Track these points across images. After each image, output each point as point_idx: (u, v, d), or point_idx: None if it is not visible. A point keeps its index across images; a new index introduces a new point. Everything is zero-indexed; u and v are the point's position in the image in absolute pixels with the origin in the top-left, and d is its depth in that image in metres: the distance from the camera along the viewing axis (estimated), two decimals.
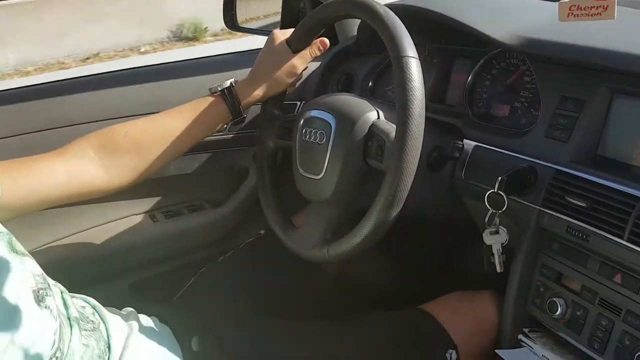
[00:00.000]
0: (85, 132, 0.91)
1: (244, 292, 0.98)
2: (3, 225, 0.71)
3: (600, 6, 0.58)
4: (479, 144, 0.88)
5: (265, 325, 0.90)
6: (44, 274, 0.71)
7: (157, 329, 0.85)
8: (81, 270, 0.91)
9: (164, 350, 0.80)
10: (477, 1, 1.07)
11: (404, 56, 0.72)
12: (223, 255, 1.07)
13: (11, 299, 0.60)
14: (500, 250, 0.82)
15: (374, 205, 0.73)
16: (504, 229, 0.82)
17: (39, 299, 0.65)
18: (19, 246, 0.71)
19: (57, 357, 0.62)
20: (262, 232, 1.09)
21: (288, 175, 0.93)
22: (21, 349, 0.58)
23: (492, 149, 0.87)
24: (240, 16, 1.40)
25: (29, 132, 1.06)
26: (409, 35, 0.75)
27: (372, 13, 0.78)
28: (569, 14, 0.60)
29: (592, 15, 0.58)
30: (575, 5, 0.59)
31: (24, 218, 0.82)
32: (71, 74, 1.32)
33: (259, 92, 0.96)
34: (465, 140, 0.90)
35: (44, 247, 1.07)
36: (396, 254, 1.15)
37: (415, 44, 0.74)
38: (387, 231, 0.74)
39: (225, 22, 1.39)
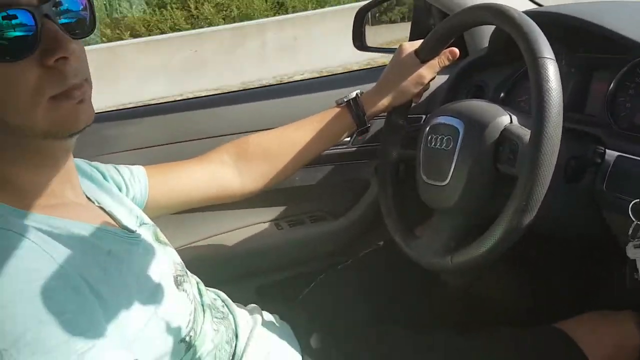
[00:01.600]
0: (220, 143, 1.00)
1: (363, 299, 0.99)
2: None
3: None
4: (622, 154, 0.81)
5: (384, 332, 0.89)
6: (183, 264, 0.78)
7: (278, 325, 0.88)
8: (213, 270, 0.98)
9: (284, 344, 0.82)
10: (617, 6, 1.00)
11: (540, 57, 0.70)
12: (343, 264, 1.09)
13: (155, 279, 0.66)
14: None
15: (504, 211, 0.69)
16: None
17: (178, 283, 0.71)
18: (163, 237, 0.79)
19: (190, 336, 0.67)
20: (382, 243, 1.09)
21: (410, 186, 0.93)
22: (163, 321, 0.63)
23: (637, 160, 0.79)
24: (369, 39, 1.45)
25: (176, 142, 1.17)
26: (544, 37, 0.72)
27: (506, 17, 0.76)
28: None
29: None
30: None
31: (167, 220, 0.90)
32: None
33: (384, 102, 0.98)
34: (606, 150, 0.83)
35: (181, 247, 1.17)
36: (528, 269, 1.08)
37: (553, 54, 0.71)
38: (517, 240, 0.70)
39: (354, 42, 1.44)
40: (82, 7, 0.58)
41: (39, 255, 0.52)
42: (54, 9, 0.54)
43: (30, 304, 0.49)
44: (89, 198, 0.71)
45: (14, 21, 0.51)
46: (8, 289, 0.49)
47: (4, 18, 0.51)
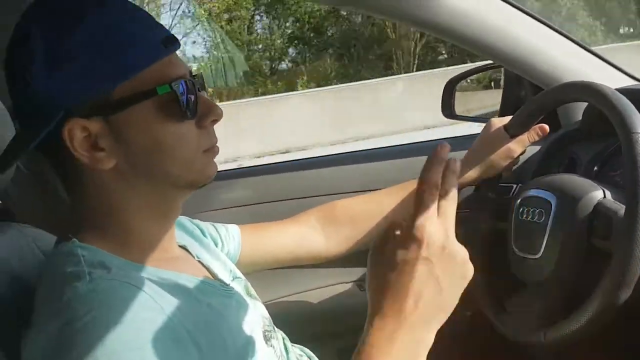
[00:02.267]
0: (312, 205, 1.05)
1: None
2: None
3: None
4: None
5: None
6: (270, 319, 0.81)
7: None
8: (297, 327, 1.00)
9: None
10: None
11: (634, 132, 0.70)
12: None
13: (247, 333, 0.70)
14: None
15: (600, 286, 0.68)
16: None
17: (267, 338, 0.74)
18: (253, 291, 0.83)
19: None
20: (469, 313, 1.07)
21: (500, 258, 0.92)
22: None
23: None
24: (458, 107, 1.48)
25: (265, 202, 1.24)
26: (637, 113, 0.72)
27: (598, 94, 0.77)
28: None
29: None
30: None
31: (255, 275, 0.94)
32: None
33: (472, 174, 0.99)
34: None
35: (268, 302, 1.21)
36: (623, 346, 1.01)
37: None
38: (613, 316, 0.67)
39: (443, 112, 1.47)
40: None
41: (151, 306, 0.57)
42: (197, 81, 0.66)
43: (136, 353, 0.52)
44: (189, 252, 0.77)
45: (185, 90, 0.62)
46: (120, 337, 0.52)
47: (180, 86, 0.62)
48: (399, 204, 1.00)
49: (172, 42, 0.63)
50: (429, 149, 1.30)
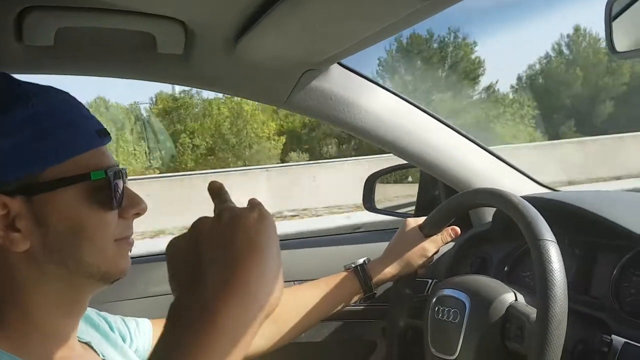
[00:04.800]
0: None
1: None
2: None
3: None
4: (629, 342, 0.82)
5: None
6: None
7: None
8: None
9: None
10: (617, 196, 1.08)
11: (541, 239, 0.75)
12: None
13: None
14: None
15: None
16: None
17: None
18: None
19: None
20: None
21: (418, 353, 0.92)
22: None
23: None
24: (378, 202, 1.54)
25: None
26: (544, 221, 0.77)
27: (506, 202, 0.83)
28: None
29: None
30: None
31: None
32: None
33: (390, 271, 1.02)
34: (613, 336, 0.84)
35: None
36: None
37: (554, 234, 0.76)
38: None
39: (364, 205, 1.53)
40: None
41: None
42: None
43: None
44: (94, 349, 0.72)
45: (116, 180, 0.62)
46: None
47: (114, 174, 0.62)
48: (322, 299, 0.99)
49: (105, 134, 0.65)
50: (356, 239, 1.33)
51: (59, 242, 0.60)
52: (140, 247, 0.94)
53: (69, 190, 0.59)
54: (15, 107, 0.58)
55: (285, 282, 0.99)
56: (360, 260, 1.02)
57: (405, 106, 1.14)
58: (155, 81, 1.01)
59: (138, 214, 0.67)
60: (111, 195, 0.62)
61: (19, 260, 0.59)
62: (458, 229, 1.04)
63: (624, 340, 0.82)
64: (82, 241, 0.61)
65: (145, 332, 0.87)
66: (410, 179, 1.65)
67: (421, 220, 1.04)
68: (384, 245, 1.06)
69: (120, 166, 0.66)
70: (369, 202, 1.52)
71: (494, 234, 1.14)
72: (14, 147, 0.57)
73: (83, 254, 0.61)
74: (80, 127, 0.62)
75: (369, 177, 1.53)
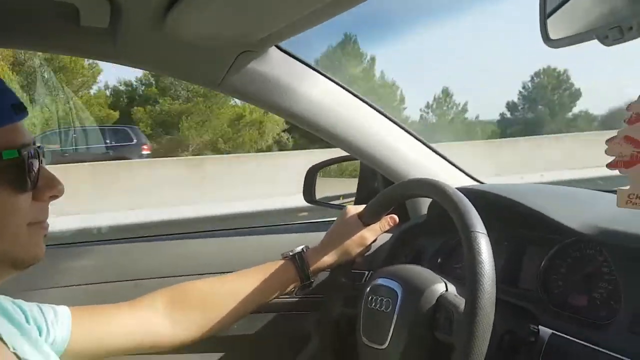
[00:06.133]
0: (161, 286, 0.96)
1: None
2: None
3: None
4: (556, 332, 0.83)
5: None
6: None
7: None
8: None
9: None
10: (549, 190, 1.10)
11: (472, 231, 0.75)
12: None
13: None
14: None
15: None
16: None
17: None
18: None
19: None
20: None
21: (351, 344, 0.91)
22: None
23: (570, 339, 0.81)
24: (319, 193, 1.52)
25: (110, 282, 1.13)
26: (477, 213, 0.77)
27: (441, 192, 0.83)
28: (627, 201, 0.62)
29: None
30: (633, 194, 0.61)
31: None
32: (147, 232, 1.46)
33: (328, 259, 1.00)
34: (540, 327, 0.85)
35: None
36: None
37: (486, 226, 0.76)
38: None
39: (304, 197, 1.51)
40: None
41: None
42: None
43: None
44: (4, 341, 0.66)
45: (31, 159, 0.58)
46: None
47: (29, 153, 0.57)
48: (257, 287, 0.96)
49: (21, 109, 0.60)
50: (295, 229, 1.31)
51: None
52: None
53: None
54: None
55: (221, 272, 0.97)
56: (299, 248, 1.00)
57: (345, 95, 1.12)
58: (79, 56, 0.95)
59: (55, 196, 0.63)
60: (25, 176, 0.57)
61: None
62: (396, 218, 1.03)
63: (551, 331, 0.84)
64: None
65: (64, 321, 0.82)
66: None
67: (360, 208, 1.03)
68: (322, 235, 1.04)
69: (37, 144, 0.61)
70: (309, 194, 1.50)
71: (429, 226, 1.15)
72: None
73: None
74: None
75: (310, 168, 1.51)
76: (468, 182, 1.25)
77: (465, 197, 0.80)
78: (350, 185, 1.55)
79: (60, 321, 0.81)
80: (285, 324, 1.21)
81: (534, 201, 0.94)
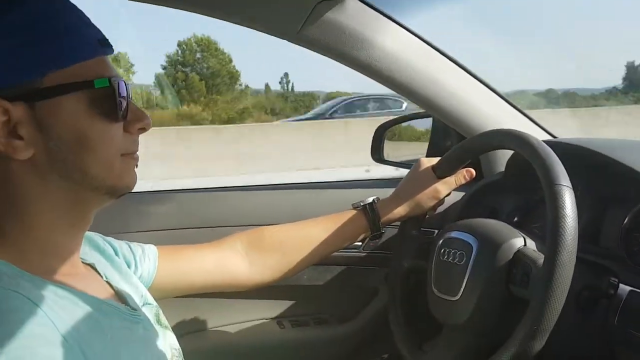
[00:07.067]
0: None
1: None
2: None
3: None
4: (635, 289, 0.81)
5: None
6: (180, 350, 0.76)
7: None
8: None
9: None
10: (631, 144, 1.04)
11: (557, 184, 0.72)
12: None
13: None
14: None
15: (515, 334, 0.68)
16: None
17: None
18: (164, 319, 0.78)
19: None
20: (386, 355, 1.06)
21: (420, 298, 0.92)
22: None
23: None
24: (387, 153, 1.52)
25: (192, 228, 1.19)
26: (561, 165, 0.75)
27: (525, 143, 0.80)
28: None
29: None
30: None
31: (171, 304, 0.89)
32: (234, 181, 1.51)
33: (400, 211, 0.99)
34: (620, 285, 0.83)
35: (182, 334, 1.14)
36: None
37: (570, 181, 0.74)
38: None
39: (372, 155, 1.50)
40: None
41: (43, 322, 0.52)
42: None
43: None
44: (97, 270, 0.72)
45: (121, 91, 0.61)
46: (10, 352, 0.48)
47: (119, 84, 0.61)
48: (329, 235, 0.98)
49: (107, 44, 0.63)
50: (365, 184, 1.32)
51: (63, 152, 0.59)
52: None
53: (71, 98, 0.58)
54: (7, 10, 0.56)
55: (292, 221, 1.00)
56: (370, 199, 1.00)
57: (422, 46, 1.09)
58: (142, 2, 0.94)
59: (143, 129, 0.65)
60: (115, 105, 0.60)
61: (23, 169, 0.58)
62: (473, 171, 1.00)
63: (630, 288, 0.81)
64: (87, 152, 0.59)
65: (151, 257, 0.87)
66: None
67: (435, 160, 1.00)
68: (391, 191, 1.04)
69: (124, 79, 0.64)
70: (377, 152, 1.49)
71: (505, 184, 1.12)
72: (9, 51, 0.55)
73: (88, 165, 0.60)
74: (82, 33, 0.60)
75: (378, 127, 1.49)
76: (544, 137, 1.20)
77: (550, 149, 0.77)
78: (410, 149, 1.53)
79: (147, 257, 0.87)
80: (353, 277, 1.24)
81: (622, 156, 0.89)
